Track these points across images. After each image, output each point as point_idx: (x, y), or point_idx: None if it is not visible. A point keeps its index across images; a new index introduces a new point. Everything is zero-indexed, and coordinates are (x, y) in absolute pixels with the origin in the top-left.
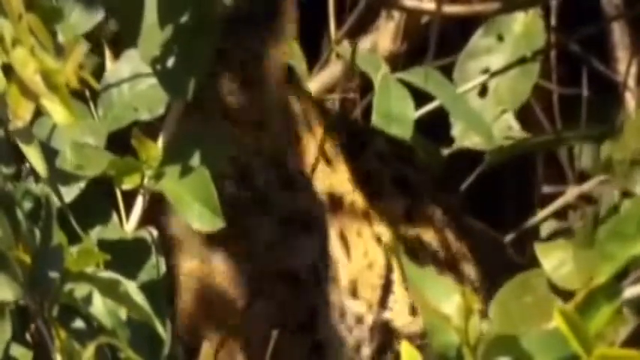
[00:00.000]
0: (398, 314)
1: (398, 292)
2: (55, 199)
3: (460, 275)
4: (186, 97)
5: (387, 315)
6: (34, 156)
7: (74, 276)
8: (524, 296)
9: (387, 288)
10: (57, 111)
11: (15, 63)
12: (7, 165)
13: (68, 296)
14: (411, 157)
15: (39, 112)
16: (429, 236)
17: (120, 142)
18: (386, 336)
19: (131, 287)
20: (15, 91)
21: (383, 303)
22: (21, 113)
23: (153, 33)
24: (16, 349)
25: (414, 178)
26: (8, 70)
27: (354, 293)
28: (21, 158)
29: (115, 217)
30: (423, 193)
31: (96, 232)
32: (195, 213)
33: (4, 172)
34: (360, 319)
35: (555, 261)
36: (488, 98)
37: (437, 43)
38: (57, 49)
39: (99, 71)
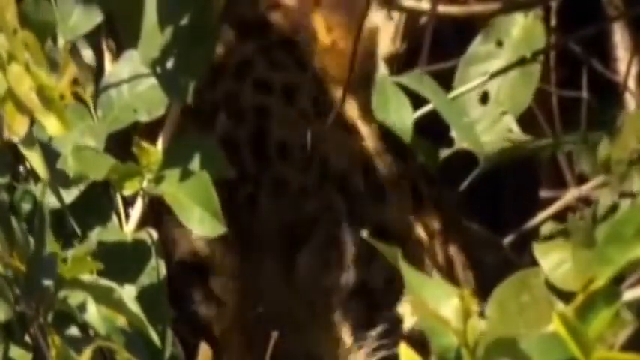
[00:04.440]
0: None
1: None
2: (51, 203)
3: (456, 281)
4: (185, 100)
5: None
6: (35, 160)
7: (68, 283)
8: (521, 295)
9: None
10: (51, 124)
11: (10, 79)
12: (2, 175)
13: (63, 303)
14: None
15: None
16: (429, 241)
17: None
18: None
19: (126, 294)
20: (11, 107)
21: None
22: (16, 128)
23: (153, 35)
24: (16, 351)
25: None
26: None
27: None
28: (19, 160)
29: (114, 219)
30: (428, 199)
31: (95, 234)
32: (196, 217)
33: None
34: None
35: (553, 261)
36: (489, 105)
37: (432, 44)
38: (51, 64)
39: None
